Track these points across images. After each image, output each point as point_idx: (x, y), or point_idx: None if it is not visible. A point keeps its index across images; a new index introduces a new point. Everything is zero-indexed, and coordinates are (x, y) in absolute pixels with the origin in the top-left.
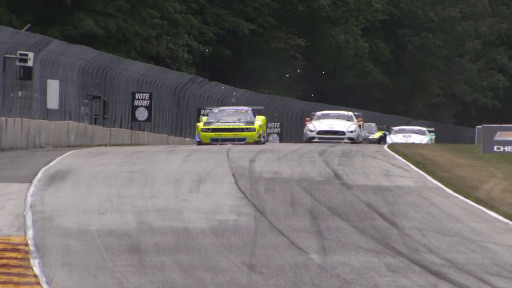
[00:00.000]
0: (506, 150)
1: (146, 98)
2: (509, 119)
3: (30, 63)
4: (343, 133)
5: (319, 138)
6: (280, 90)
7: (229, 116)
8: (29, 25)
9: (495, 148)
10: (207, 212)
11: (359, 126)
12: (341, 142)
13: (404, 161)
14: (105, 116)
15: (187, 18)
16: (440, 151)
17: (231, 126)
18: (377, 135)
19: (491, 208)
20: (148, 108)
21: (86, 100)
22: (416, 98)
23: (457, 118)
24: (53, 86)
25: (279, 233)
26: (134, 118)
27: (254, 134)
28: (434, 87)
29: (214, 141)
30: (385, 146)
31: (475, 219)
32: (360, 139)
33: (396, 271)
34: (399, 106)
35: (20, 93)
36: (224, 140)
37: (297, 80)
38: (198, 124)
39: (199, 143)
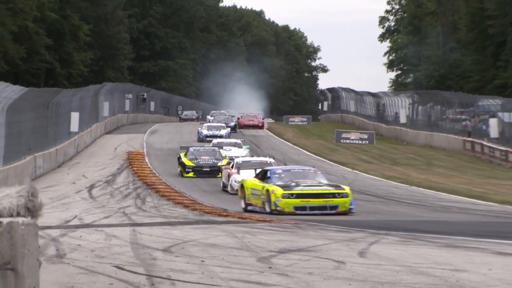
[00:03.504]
0: (293, 123)
1: (181, 108)
2: (295, 114)
3: (145, 97)
4: None
5: None
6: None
7: (303, 177)
8: (144, 84)
9: (289, 123)
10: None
11: None
12: None
13: (267, 131)
14: (168, 113)
15: (193, 82)
16: (276, 126)
17: (320, 191)
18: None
19: (289, 141)
20: (182, 110)
21: (162, 108)
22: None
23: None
24: (152, 104)
25: None
26: (178, 114)
27: (347, 201)
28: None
29: (299, 209)
30: (265, 128)
31: (285, 146)
32: None
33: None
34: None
35: (141, 106)
36: (313, 209)
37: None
38: (273, 188)
39: (279, 212)
